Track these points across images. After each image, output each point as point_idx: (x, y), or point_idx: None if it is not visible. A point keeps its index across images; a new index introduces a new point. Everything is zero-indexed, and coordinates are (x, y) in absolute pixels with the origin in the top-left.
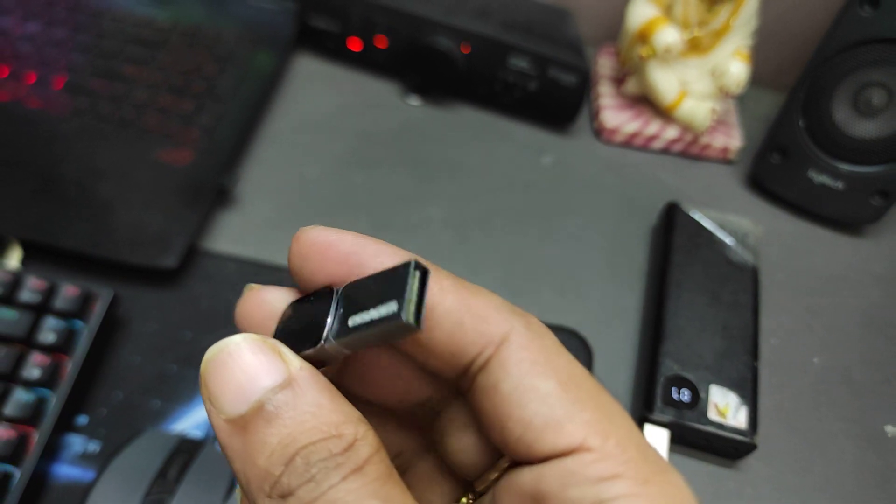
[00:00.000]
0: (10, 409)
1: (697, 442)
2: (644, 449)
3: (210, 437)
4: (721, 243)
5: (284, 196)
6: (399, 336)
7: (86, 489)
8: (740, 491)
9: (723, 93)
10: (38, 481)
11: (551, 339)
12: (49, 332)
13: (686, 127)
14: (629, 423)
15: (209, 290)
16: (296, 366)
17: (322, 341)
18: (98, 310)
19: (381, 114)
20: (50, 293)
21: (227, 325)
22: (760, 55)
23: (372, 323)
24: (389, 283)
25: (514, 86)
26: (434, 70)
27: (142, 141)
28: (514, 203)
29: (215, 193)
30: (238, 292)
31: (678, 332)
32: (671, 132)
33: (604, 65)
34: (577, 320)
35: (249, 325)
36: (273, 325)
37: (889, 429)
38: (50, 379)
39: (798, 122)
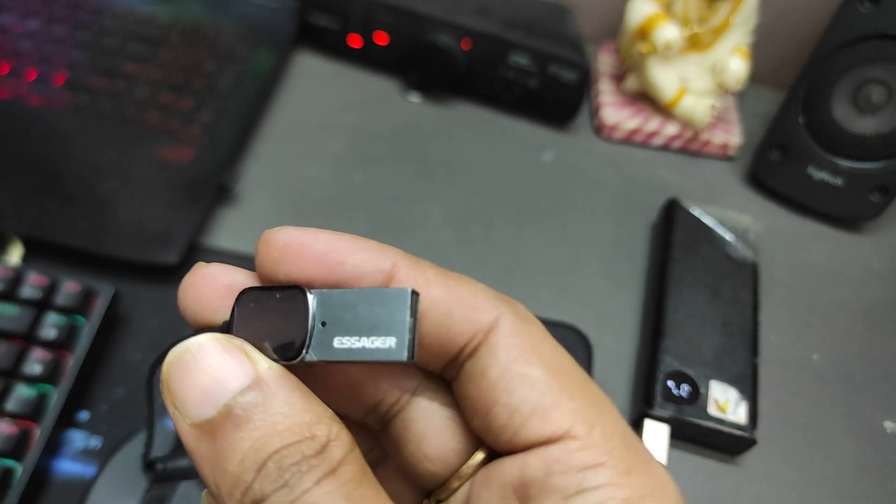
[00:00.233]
0: (11, 405)
1: (697, 437)
2: (628, 439)
3: None
4: (721, 240)
5: (285, 193)
6: (390, 365)
7: (87, 485)
8: (740, 486)
9: (723, 89)
10: (40, 477)
11: (538, 327)
12: (50, 328)
13: (686, 123)
14: (615, 413)
15: None
16: (263, 366)
17: (304, 354)
18: (99, 306)
19: (382, 111)
20: (51, 289)
21: None
22: (760, 52)
23: (365, 352)
24: (382, 309)
25: (514, 83)
26: (434, 67)
27: (142, 138)
28: (515, 200)
29: (216, 190)
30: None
31: (678, 328)
32: (671, 129)
33: (604, 62)
34: (577, 316)
35: (194, 300)
36: (221, 305)
37: (888, 424)
38: (51, 375)
39: (798, 119)
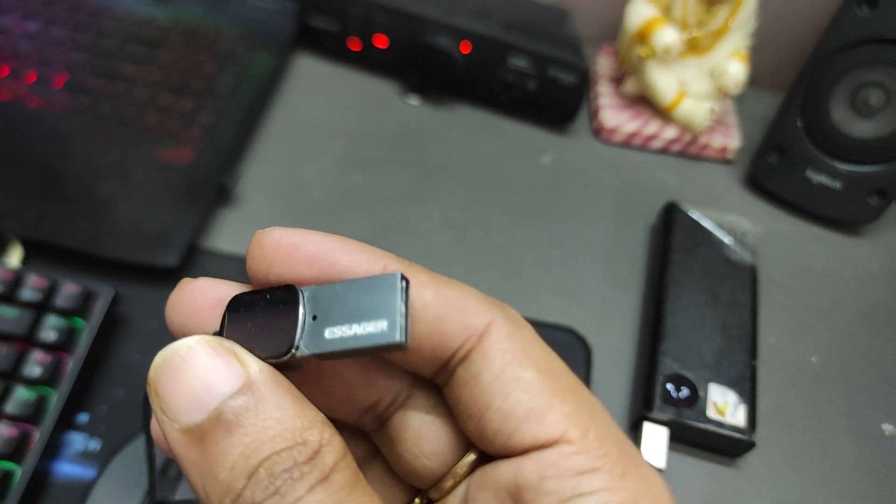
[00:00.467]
0: (11, 407)
1: (696, 440)
2: (622, 443)
3: None
4: (720, 243)
5: (284, 195)
6: (384, 353)
7: (87, 487)
8: (739, 489)
9: (721, 93)
10: (40, 479)
11: (529, 331)
12: (50, 330)
13: (685, 127)
14: (607, 416)
15: None
16: (254, 368)
17: (293, 350)
18: (99, 308)
19: (381, 113)
20: (51, 291)
21: None
22: (759, 55)
23: (357, 339)
24: (373, 296)
25: (513, 85)
26: (433, 70)
27: (142, 140)
28: (513, 202)
29: (215, 192)
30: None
31: (677, 330)
32: (670, 132)
33: (603, 65)
34: (576, 319)
35: (183, 315)
36: (210, 319)
37: (886, 427)
38: (51, 377)
39: (796, 122)
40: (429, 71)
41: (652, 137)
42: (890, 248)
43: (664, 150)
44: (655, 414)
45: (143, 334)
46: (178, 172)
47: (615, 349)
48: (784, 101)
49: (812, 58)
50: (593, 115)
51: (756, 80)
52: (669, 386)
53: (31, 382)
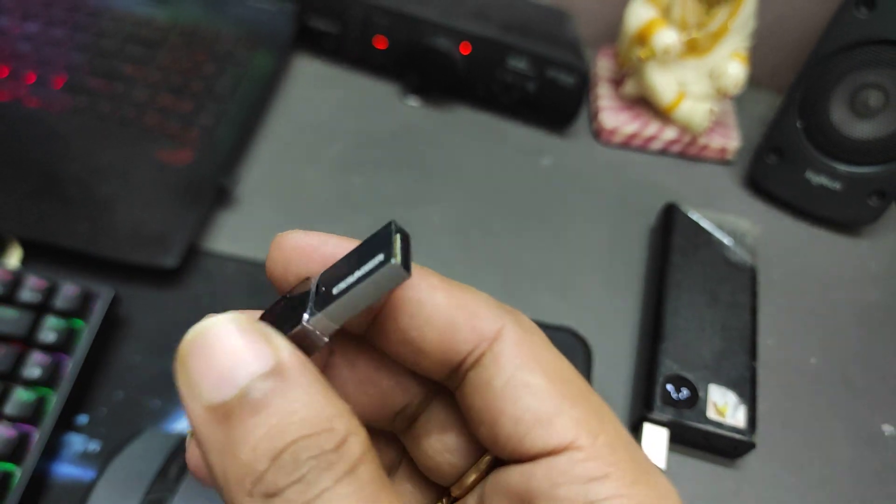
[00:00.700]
0: (10, 409)
1: (696, 441)
2: (632, 449)
3: None
4: (719, 244)
5: (284, 196)
6: (389, 286)
7: (86, 488)
8: (739, 489)
9: (721, 94)
10: (39, 480)
11: (541, 336)
12: (49, 331)
13: (684, 128)
14: (616, 422)
15: (209, 289)
16: (286, 352)
17: (306, 315)
18: (98, 309)
19: (380, 115)
20: (50, 292)
21: None
22: (758, 56)
23: (358, 280)
24: (371, 247)
25: (512, 87)
26: (433, 71)
27: (141, 140)
28: (514, 204)
29: (215, 193)
30: (238, 292)
31: (677, 331)
32: (669, 133)
33: (602, 66)
34: (576, 320)
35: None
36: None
37: (886, 428)
38: (50, 378)
39: (795, 123)
40: (428, 72)
41: (651, 139)
42: (889, 248)
43: (664, 152)
44: (655, 415)
45: (142, 335)
46: (178, 173)
47: (615, 350)
48: (783, 102)
49: (811, 59)
50: (593, 116)
51: (755, 80)
52: (669, 387)
53: (30, 383)
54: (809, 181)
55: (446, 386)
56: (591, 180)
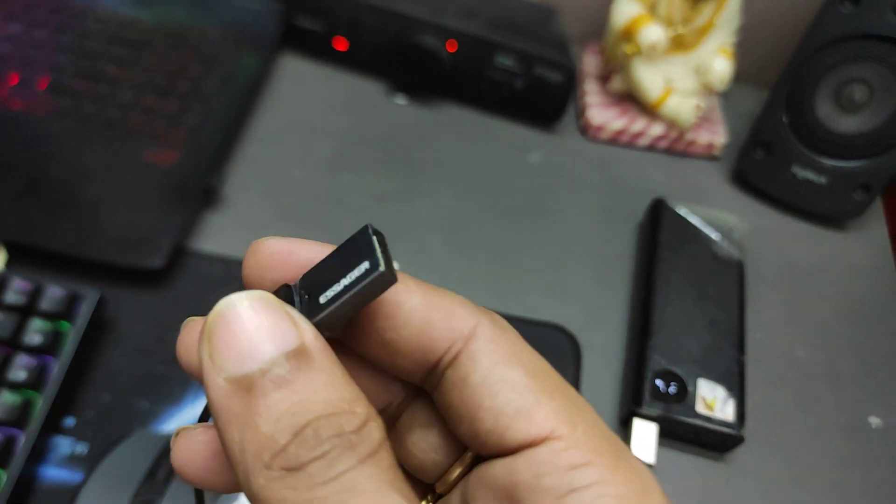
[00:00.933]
0: None
1: (686, 435)
2: (608, 437)
3: None
4: (707, 239)
5: (271, 196)
6: (376, 292)
7: (74, 491)
8: (728, 483)
9: (707, 89)
10: (26, 483)
11: (515, 334)
12: (35, 333)
13: (671, 124)
14: (592, 411)
15: (196, 290)
16: (310, 334)
17: None
18: (84, 311)
19: (368, 113)
20: (36, 295)
21: None
22: (744, 52)
23: (346, 289)
24: (351, 252)
25: (500, 84)
26: (420, 69)
27: (127, 141)
28: (501, 201)
29: (202, 194)
30: (225, 292)
31: (665, 326)
32: (656, 129)
33: (589, 63)
34: (564, 316)
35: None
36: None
37: (873, 420)
38: (36, 381)
39: (781, 118)
40: (415, 70)
41: (639, 135)
42: (875, 242)
43: (651, 147)
44: (645, 410)
45: (129, 337)
46: (164, 174)
47: (604, 346)
48: (769, 98)
49: (796, 54)
50: (580, 113)
51: (741, 76)
52: (658, 382)
53: (16, 386)
54: (795, 176)
55: (424, 388)
56: (579, 177)
